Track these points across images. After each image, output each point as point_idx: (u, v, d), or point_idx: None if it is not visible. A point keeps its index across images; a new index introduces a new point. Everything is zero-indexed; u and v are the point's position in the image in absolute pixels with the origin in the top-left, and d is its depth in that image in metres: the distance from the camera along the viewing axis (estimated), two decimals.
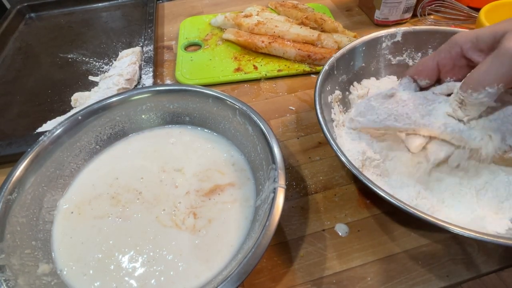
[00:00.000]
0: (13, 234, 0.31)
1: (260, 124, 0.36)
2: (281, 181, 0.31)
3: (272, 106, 0.52)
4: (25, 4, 0.79)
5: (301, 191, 0.41)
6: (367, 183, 0.31)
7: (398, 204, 0.29)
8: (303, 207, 0.39)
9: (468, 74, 0.32)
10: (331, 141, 0.34)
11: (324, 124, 0.36)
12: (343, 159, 0.32)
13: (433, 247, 0.35)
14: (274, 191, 0.30)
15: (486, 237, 0.27)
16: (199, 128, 0.44)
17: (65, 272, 0.31)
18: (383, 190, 0.30)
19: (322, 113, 0.37)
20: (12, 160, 0.41)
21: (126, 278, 0.31)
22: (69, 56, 0.66)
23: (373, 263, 0.34)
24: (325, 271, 0.34)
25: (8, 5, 0.99)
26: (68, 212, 0.36)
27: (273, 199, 0.30)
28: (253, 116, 0.37)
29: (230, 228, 0.34)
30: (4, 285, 0.27)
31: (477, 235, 0.27)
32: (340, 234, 0.36)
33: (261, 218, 0.30)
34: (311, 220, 0.38)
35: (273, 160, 0.33)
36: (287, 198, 0.39)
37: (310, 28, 0.62)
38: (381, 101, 0.38)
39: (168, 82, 0.59)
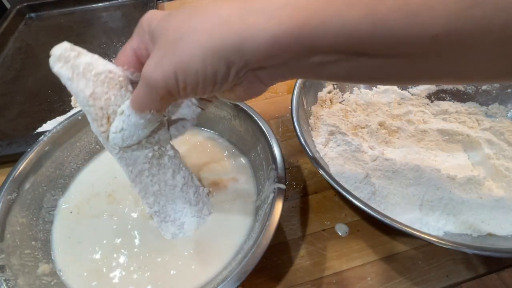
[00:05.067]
0: (13, 234, 0.31)
1: (260, 124, 0.36)
2: (281, 181, 0.31)
3: (272, 106, 0.52)
4: (25, 4, 0.79)
5: (301, 191, 0.41)
6: (342, 191, 0.32)
7: (371, 212, 0.30)
8: (303, 207, 0.39)
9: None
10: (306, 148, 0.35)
11: (300, 132, 0.37)
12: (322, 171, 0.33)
13: (433, 247, 0.35)
14: (274, 191, 0.30)
15: (461, 247, 0.28)
16: (199, 128, 0.44)
17: (62, 273, 0.31)
18: (359, 199, 0.31)
19: (299, 124, 0.38)
20: (12, 160, 0.41)
21: (126, 281, 0.30)
22: None
23: (373, 263, 0.34)
24: (325, 271, 0.34)
25: (8, 5, 0.99)
26: (67, 212, 0.36)
27: (273, 199, 0.30)
28: (253, 116, 0.37)
29: (230, 228, 0.34)
30: (4, 285, 0.27)
31: (455, 245, 0.28)
32: (340, 234, 0.36)
33: (261, 218, 0.30)
34: (311, 220, 0.38)
35: (273, 160, 0.33)
36: (287, 198, 0.40)
37: None
38: None
39: None
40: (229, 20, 0.19)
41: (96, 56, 0.26)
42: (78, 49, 0.26)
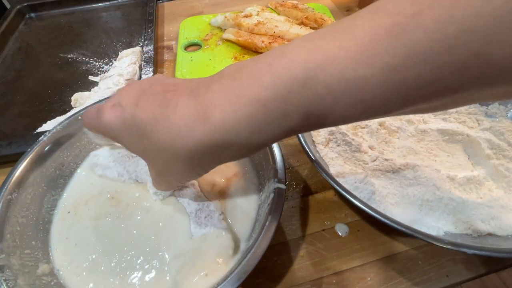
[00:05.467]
0: (13, 234, 0.31)
1: None
2: (281, 181, 0.31)
3: None
4: (25, 4, 0.79)
5: (301, 191, 0.41)
6: (341, 191, 0.32)
7: (371, 212, 0.30)
8: (303, 207, 0.39)
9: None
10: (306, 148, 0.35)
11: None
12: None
13: (433, 247, 0.35)
14: (274, 191, 0.30)
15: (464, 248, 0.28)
16: None
17: (61, 273, 0.31)
18: (358, 199, 0.31)
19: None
20: (12, 160, 0.41)
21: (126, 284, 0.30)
22: (69, 56, 0.66)
23: (373, 263, 0.34)
24: (325, 271, 0.34)
25: (8, 5, 1.00)
26: (65, 212, 0.36)
27: (273, 199, 0.30)
28: None
29: (235, 231, 0.33)
30: (4, 285, 0.27)
31: (455, 246, 0.28)
32: (340, 234, 0.36)
33: (261, 218, 0.30)
34: (311, 220, 0.38)
35: (273, 160, 0.33)
36: (287, 198, 0.40)
37: (310, 28, 0.62)
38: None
39: None
40: (204, 160, 0.24)
41: (105, 153, 0.39)
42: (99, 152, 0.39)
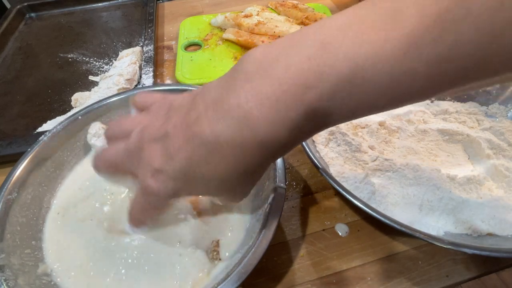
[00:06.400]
0: (13, 234, 0.31)
1: None
2: (281, 181, 0.31)
3: None
4: (25, 4, 0.79)
5: (301, 191, 0.41)
6: (342, 191, 0.32)
7: (372, 212, 0.30)
8: (303, 207, 0.39)
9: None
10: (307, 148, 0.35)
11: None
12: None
13: (433, 247, 0.35)
14: (274, 191, 0.30)
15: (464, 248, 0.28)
16: None
17: (54, 273, 0.31)
18: (358, 198, 0.31)
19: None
20: (12, 160, 0.41)
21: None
22: (69, 56, 0.66)
23: (373, 263, 0.34)
24: (325, 271, 0.34)
25: (8, 5, 0.99)
26: (55, 213, 0.35)
27: (273, 199, 0.30)
28: None
29: (230, 227, 0.34)
30: (4, 284, 0.27)
31: (455, 246, 0.28)
32: (340, 234, 0.36)
33: (261, 218, 0.30)
34: (311, 220, 0.38)
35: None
36: (287, 198, 0.40)
37: None
38: None
39: (168, 82, 0.59)
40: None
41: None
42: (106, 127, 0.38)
